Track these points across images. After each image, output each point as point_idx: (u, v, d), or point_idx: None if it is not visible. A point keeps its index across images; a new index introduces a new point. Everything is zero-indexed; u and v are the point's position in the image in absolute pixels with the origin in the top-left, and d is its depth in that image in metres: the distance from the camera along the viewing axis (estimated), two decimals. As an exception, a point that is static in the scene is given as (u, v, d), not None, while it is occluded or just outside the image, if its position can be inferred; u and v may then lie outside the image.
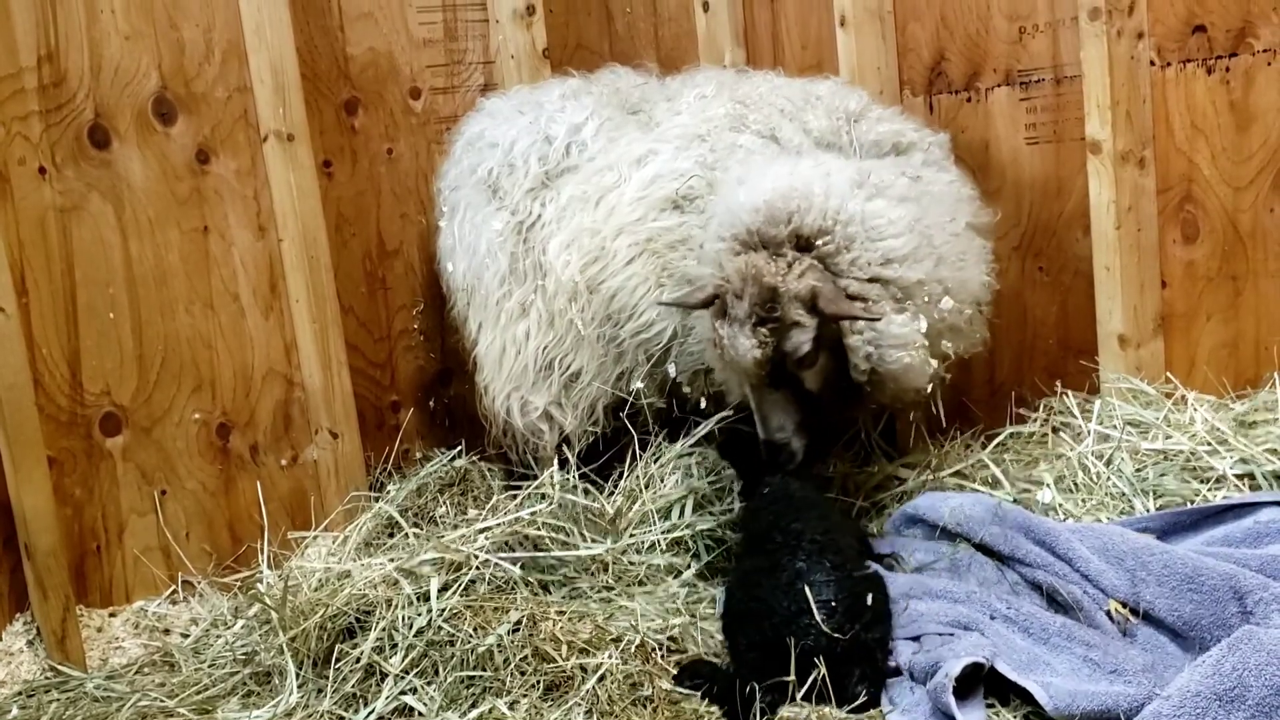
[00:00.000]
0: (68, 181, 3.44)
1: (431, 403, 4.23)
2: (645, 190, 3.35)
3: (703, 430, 3.39)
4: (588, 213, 3.42)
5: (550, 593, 3.00)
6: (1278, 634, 2.11)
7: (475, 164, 3.71)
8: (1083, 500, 3.02)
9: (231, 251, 3.70)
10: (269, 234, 3.73)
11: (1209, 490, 2.93)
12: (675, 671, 2.61)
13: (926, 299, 2.94)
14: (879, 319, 2.84)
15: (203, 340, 3.65)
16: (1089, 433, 3.22)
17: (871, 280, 2.87)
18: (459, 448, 3.90)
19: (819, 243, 2.87)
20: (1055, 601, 2.62)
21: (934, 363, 2.98)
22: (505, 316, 3.57)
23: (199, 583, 3.54)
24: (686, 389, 3.40)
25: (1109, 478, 3.05)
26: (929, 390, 3.05)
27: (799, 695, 2.36)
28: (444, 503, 3.62)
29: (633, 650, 2.66)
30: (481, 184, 3.67)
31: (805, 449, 2.97)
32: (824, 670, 2.36)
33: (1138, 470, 3.04)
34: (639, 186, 3.36)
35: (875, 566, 2.79)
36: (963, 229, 3.17)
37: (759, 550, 2.74)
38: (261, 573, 3.32)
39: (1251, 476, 2.92)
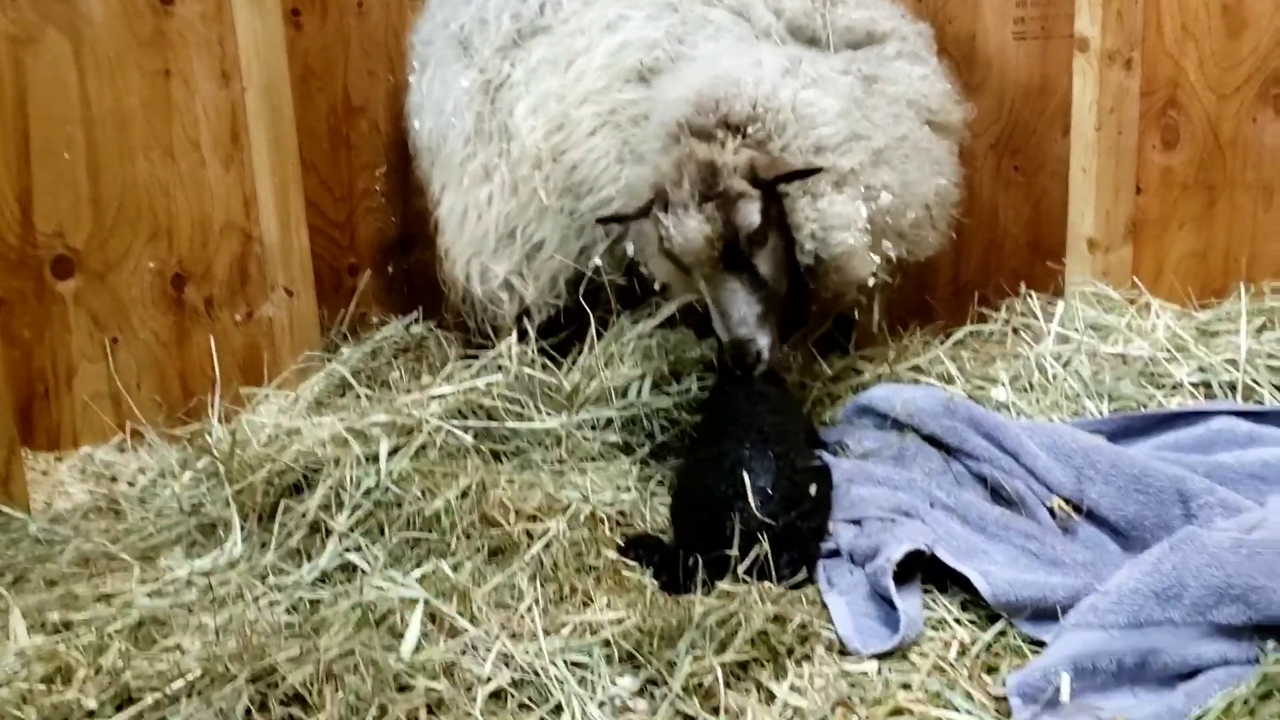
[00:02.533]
0: (22, 11, 3.29)
1: (390, 268, 4.16)
2: (612, 58, 3.24)
3: (665, 313, 3.36)
4: (556, 77, 3.31)
5: (502, 462, 3.00)
6: (1220, 536, 2.13)
7: (448, 18, 3.57)
8: (1037, 400, 3.03)
9: (194, 98, 3.57)
10: (233, 82, 3.61)
11: (1164, 396, 2.94)
12: (622, 544, 2.63)
13: (864, 188, 2.90)
14: (821, 169, 2.77)
15: (161, 187, 3.55)
16: (1049, 334, 3.22)
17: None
18: (416, 314, 3.85)
19: (749, 129, 2.80)
20: (999, 496, 2.64)
21: (875, 257, 2.94)
22: (468, 179, 3.48)
23: (148, 433, 3.49)
24: (644, 269, 3.35)
25: (1065, 379, 3.05)
26: (871, 285, 3.02)
27: (740, 570, 2.38)
28: (398, 367, 3.58)
29: (581, 520, 2.67)
30: (453, 40, 3.54)
31: (770, 350, 2.87)
32: (765, 548, 2.37)
33: (1095, 373, 3.05)
34: (606, 54, 3.25)
35: (823, 456, 2.80)
36: (914, 130, 3.11)
37: (711, 440, 2.75)
38: (211, 426, 3.29)
39: (1208, 385, 2.94)
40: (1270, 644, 2.03)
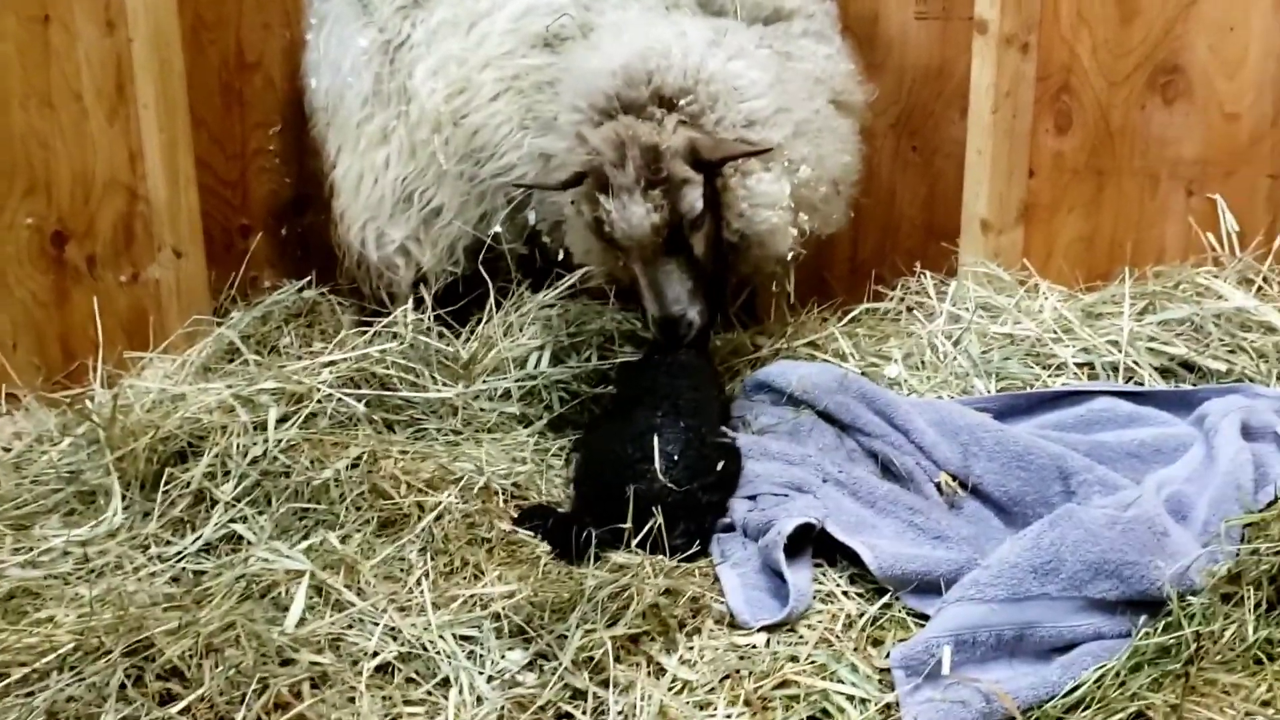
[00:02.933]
0: (-115, -51, 3.12)
1: (284, 230, 4.05)
2: (517, 22, 3.20)
3: (567, 283, 3.33)
4: (457, 39, 3.25)
5: (395, 432, 2.95)
6: (1096, 513, 2.20)
7: (346, -26, 3.49)
8: (928, 377, 3.08)
9: (76, 46, 3.42)
10: (118, 31, 3.46)
11: (1049, 376, 3.01)
12: (516, 516, 2.61)
13: (787, 163, 2.90)
14: (770, 149, 2.77)
15: (39, 139, 3.40)
16: (941, 313, 3.28)
17: (736, 141, 2.79)
18: (309, 278, 3.75)
19: (682, 102, 2.77)
20: (889, 471, 2.68)
21: (794, 231, 2.96)
22: (365, 141, 3.41)
23: (25, 396, 3.36)
24: (547, 239, 3.32)
25: (955, 357, 3.11)
26: (789, 259, 3.05)
27: (634, 543, 2.38)
28: (289, 333, 3.50)
29: (474, 492, 2.65)
30: (353, -5, 3.47)
31: (700, 317, 2.90)
32: (660, 521, 2.38)
33: (984, 352, 3.11)
34: (510, 17, 3.20)
35: (731, 435, 2.82)
36: (823, 106, 3.13)
37: (628, 408, 2.76)
38: (93, 390, 3.18)
39: (1091, 366, 3.02)
40: (1142, 618, 2.10)
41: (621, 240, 2.79)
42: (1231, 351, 2.96)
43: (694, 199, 2.76)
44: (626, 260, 2.88)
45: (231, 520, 2.53)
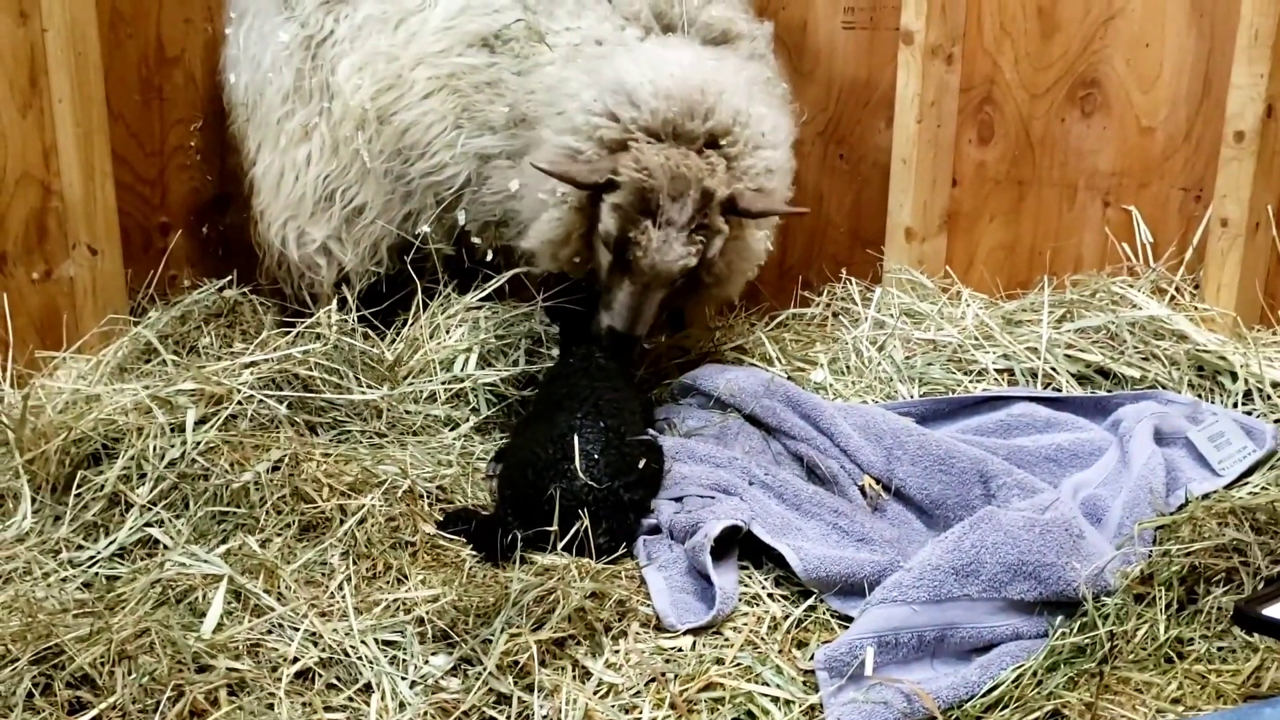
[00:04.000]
0: None
1: (205, 229, 3.96)
2: (453, 20, 3.16)
3: (494, 284, 3.31)
4: (385, 35, 3.21)
5: (317, 435, 2.91)
6: (1015, 516, 2.24)
7: (267, -33, 3.43)
8: (853, 382, 3.13)
9: (-14, 36, 3.32)
10: (32, 21, 3.36)
11: (970, 381, 3.07)
12: (441, 519, 2.59)
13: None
14: (806, 211, 2.82)
15: (-55, 131, 3.29)
16: (866, 319, 3.33)
17: (756, 190, 2.80)
18: (230, 278, 3.68)
19: (724, 142, 2.77)
20: (814, 474, 2.71)
21: None
22: (285, 138, 3.35)
23: (-71, 396, 3.25)
24: (476, 239, 3.30)
25: (879, 363, 3.16)
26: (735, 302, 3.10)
27: (559, 546, 2.37)
28: (209, 334, 3.43)
29: (398, 495, 2.62)
30: (273, -11, 3.41)
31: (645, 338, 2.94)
32: (586, 523, 2.38)
33: (907, 358, 3.16)
34: (446, 15, 3.16)
35: (653, 434, 2.82)
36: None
37: (548, 411, 2.75)
38: (2, 391, 3.09)
39: (1011, 372, 3.08)
40: (1059, 618, 2.14)
41: (644, 268, 2.76)
42: (1145, 359, 3.03)
43: (718, 248, 2.79)
44: (624, 278, 2.83)
45: (147, 524, 2.48)
